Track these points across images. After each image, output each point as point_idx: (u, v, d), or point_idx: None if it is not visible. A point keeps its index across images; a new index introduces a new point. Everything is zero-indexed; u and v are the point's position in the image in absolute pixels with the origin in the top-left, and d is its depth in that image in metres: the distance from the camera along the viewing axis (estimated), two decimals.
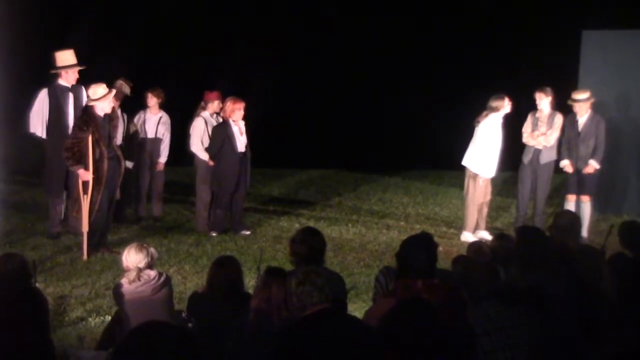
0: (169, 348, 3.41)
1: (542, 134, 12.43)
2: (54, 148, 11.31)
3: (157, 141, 12.92)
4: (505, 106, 12.29)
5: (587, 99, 12.40)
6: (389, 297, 5.81)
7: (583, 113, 12.40)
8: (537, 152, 12.49)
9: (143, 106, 12.93)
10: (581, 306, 6.16)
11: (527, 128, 12.61)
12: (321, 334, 5.16)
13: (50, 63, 11.51)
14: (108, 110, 10.70)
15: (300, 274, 5.46)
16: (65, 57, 11.48)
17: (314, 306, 5.29)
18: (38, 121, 11.50)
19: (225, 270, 6.81)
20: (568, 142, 12.44)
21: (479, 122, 12.35)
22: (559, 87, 12.71)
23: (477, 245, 7.97)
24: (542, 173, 12.54)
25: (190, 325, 6.82)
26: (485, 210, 12.58)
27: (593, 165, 12.33)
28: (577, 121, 12.42)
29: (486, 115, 12.30)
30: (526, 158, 12.60)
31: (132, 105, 12.71)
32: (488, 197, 12.57)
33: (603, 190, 13.73)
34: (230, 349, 5.96)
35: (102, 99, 10.59)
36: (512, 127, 12.67)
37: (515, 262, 6.86)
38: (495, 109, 12.26)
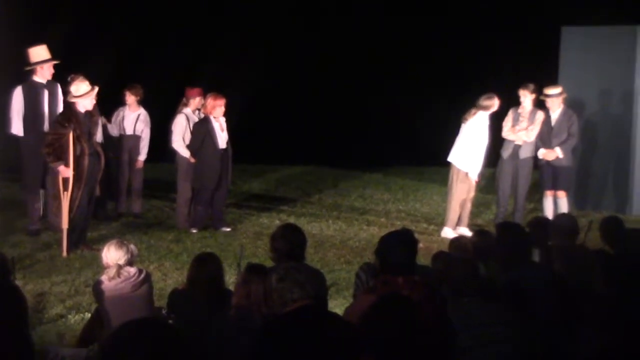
0: (156, 345, 3.40)
1: (524, 129, 12.47)
2: (29, 145, 11.27)
3: (135, 138, 12.89)
4: (495, 105, 12.34)
5: (559, 94, 12.45)
6: (369, 294, 5.79)
7: (555, 108, 12.46)
8: (517, 147, 12.53)
9: (122, 103, 12.89)
10: (561, 302, 6.18)
11: (507, 123, 12.64)
12: (302, 330, 5.15)
13: (24, 60, 11.42)
14: (90, 108, 10.67)
15: (281, 269, 5.44)
16: (39, 52, 11.40)
17: (295, 302, 5.28)
18: (17, 120, 11.44)
19: (206, 267, 6.80)
20: (541, 137, 12.48)
21: (466, 119, 12.37)
22: (538, 83, 12.74)
23: (459, 242, 7.99)
24: (522, 168, 12.59)
25: (170, 322, 6.80)
26: (468, 206, 12.61)
27: (556, 153, 12.36)
28: (549, 116, 12.47)
29: (474, 113, 12.33)
30: (505, 153, 12.64)
31: (111, 102, 12.66)
32: (471, 194, 12.60)
33: (582, 186, 13.82)
34: (211, 345, 5.94)
35: (84, 95, 10.56)
36: (493, 123, 12.71)
37: (495, 258, 6.88)
38: (485, 108, 12.30)
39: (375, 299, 5.09)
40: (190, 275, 6.85)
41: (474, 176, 12.43)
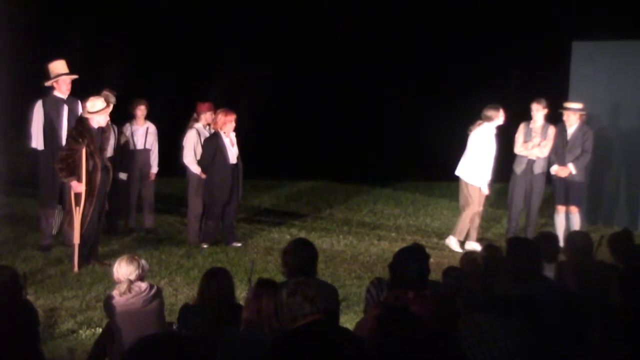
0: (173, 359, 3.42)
1: (536, 145, 12.43)
2: (47, 159, 11.30)
3: (146, 152, 12.95)
4: (499, 117, 12.32)
5: (579, 109, 12.41)
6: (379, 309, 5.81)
7: (572, 123, 12.40)
8: (531, 162, 12.47)
9: (128, 118, 12.93)
10: (571, 316, 6.17)
11: (519, 138, 12.58)
12: (312, 345, 5.16)
13: (43, 75, 11.49)
14: (103, 124, 10.71)
15: (292, 284, 5.45)
16: (57, 67, 11.46)
17: (305, 317, 5.29)
18: (37, 134, 11.48)
19: (216, 282, 6.80)
20: (555, 151, 12.43)
21: (471, 130, 12.39)
22: (549, 98, 12.72)
23: (469, 256, 7.98)
24: (536, 183, 12.53)
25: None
26: (477, 221, 12.58)
27: (570, 169, 12.30)
28: (565, 131, 12.43)
29: (479, 124, 12.34)
30: (519, 169, 12.57)
31: (117, 117, 12.68)
32: (480, 208, 12.58)
33: (593, 201, 13.78)
34: None
35: (100, 112, 10.60)
36: (503, 137, 12.71)
37: (505, 273, 6.87)
38: (489, 119, 12.29)
39: (374, 314, 5.12)
40: (201, 290, 6.86)
41: (485, 189, 12.42)
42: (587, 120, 12.71)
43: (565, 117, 12.46)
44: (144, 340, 3.51)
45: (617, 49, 14.39)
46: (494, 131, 12.37)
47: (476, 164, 12.32)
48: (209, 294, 6.75)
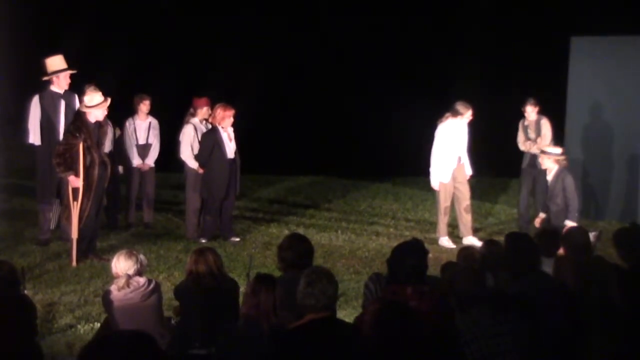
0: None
1: (533, 142, 12.59)
2: (45, 154, 11.28)
3: (148, 147, 12.97)
4: (467, 115, 12.29)
5: (554, 154, 11.55)
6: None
7: (550, 167, 11.49)
8: (533, 157, 12.56)
9: (130, 113, 12.93)
10: (569, 312, 6.17)
11: (520, 137, 12.94)
12: (313, 339, 5.16)
13: (41, 70, 11.47)
14: (101, 118, 10.71)
15: (313, 274, 5.41)
16: (55, 62, 11.44)
17: (317, 312, 5.26)
18: (34, 130, 11.47)
19: (204, 258, 6.91)
20: (538, 197, 12.33)
21: (439, 123, 12.44)
22: (548, 94, 12.75)
23: (467, 251, 7.97)
24: (539, 178, 12.43)
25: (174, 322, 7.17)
26: (465, 216, 12.50)
27: (570, 225, 11.72)
28: (546, 179, 11.64)
29: (446, 117, 12.38)
30: (524, 164, 12.95)
31: (119, 112, 12.67)
32: (466, 202, 12.51)
33: (590, 195, 13.79)
34: (219, 355, 5.95)
35: (98, 106, 10.59)
36: (501, 133, 12.73)
37: (504, 268, 6.87)
38: (456, 113, 12.29)
39: (373, 309, 5.12)
40: (189, 269, 6.98)
41: (433, 183, 12.48)
42: (579, 113, 12.56)
43: (540, 160, 11.76)
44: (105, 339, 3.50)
45: (616, 44, 14.36)
46: (461, 127, 12.36)
47: (433, 158, 12.39)
48: (197, 270, 6.87)
